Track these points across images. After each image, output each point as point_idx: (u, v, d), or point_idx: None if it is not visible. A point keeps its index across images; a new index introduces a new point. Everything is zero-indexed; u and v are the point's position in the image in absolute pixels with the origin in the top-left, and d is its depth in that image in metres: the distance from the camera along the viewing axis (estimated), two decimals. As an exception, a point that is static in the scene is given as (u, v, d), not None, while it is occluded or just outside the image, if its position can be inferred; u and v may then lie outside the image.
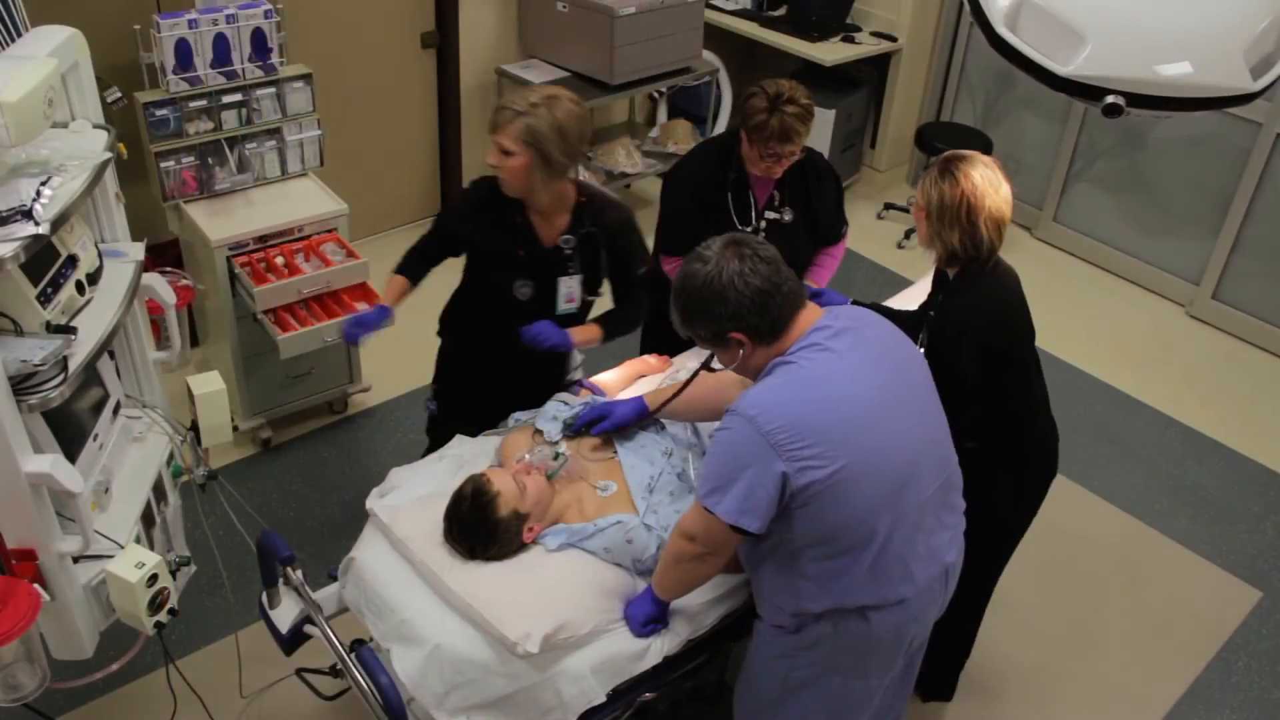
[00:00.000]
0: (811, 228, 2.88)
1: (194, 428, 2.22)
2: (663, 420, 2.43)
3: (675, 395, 2.28)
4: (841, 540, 1.85)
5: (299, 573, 2.19)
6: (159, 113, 3.19)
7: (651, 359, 2.83)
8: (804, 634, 1.99)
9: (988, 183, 2.22)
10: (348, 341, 2.61)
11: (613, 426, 2.36)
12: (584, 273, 2.54)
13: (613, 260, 2.57)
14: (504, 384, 2.64)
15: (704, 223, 2.62)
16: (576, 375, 2.83)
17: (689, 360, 2.78)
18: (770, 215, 2.82)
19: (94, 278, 2.00)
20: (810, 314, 1.90)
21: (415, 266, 2.64)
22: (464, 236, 2.57)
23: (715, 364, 2.03)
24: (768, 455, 1.76)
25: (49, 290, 1.85)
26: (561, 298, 2.54)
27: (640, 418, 2.37)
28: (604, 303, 2.71)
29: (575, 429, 2.39)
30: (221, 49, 3.20)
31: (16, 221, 1.68)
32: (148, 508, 2.10)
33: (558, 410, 2.46)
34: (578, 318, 2.61)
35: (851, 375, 1.84)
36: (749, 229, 2.80)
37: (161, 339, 2.33)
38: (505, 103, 2.32)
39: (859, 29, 5.13)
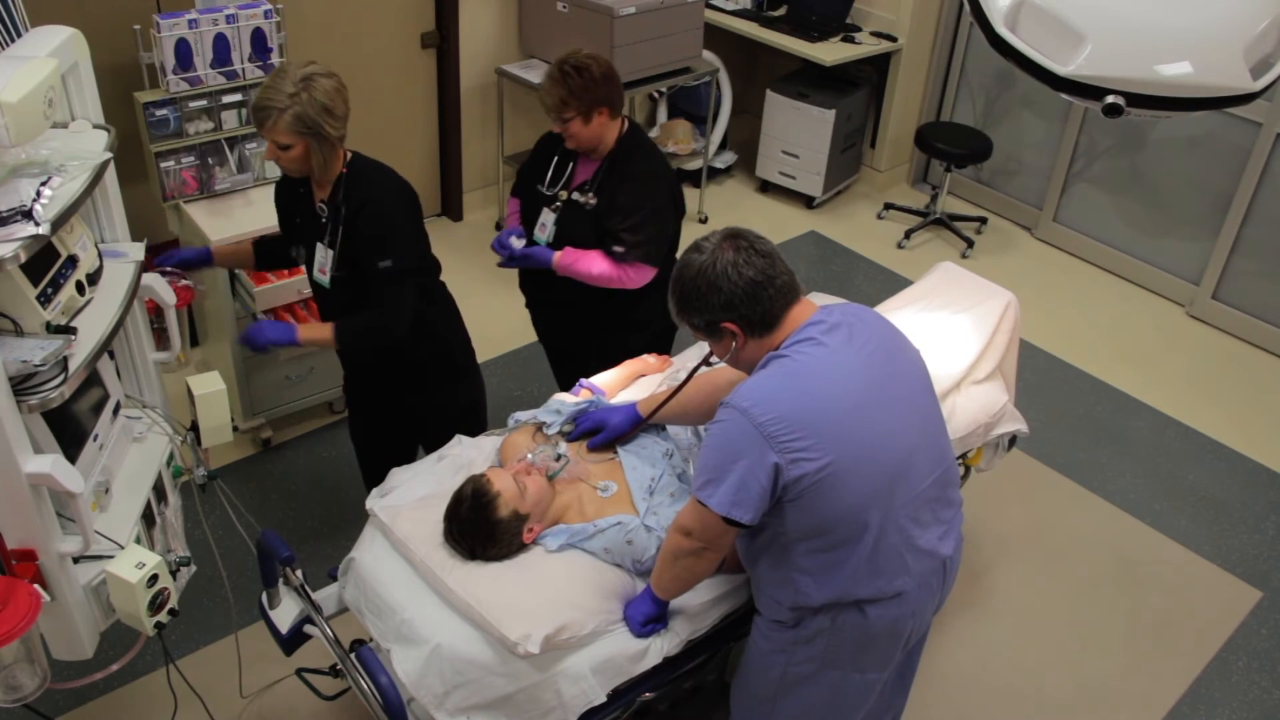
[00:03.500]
0: (600, 223, 2.82)
1: (194, 428, 2.22)
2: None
3: (668, 400, 2.29)
4: (834, 533, 1.86)
5: (299, 573, 2.19)
6: (159, 113, 3.19)
7: (651, 359, 2.83)
8: (802, 629, 1.99)
9: None
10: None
11: (607, 439, 2.37)
12: (336, 248, 2.47)
13: (351, 244, 2.43)
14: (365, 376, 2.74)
15: (529, 170, 2.93)
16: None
17: (689, 360, 2.79)
18: (575, 196, 2.84)
19: (94, 278, 2.00)
20: (804, 309, 1.92)
21: (269, 243, 2.69)
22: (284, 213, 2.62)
23: (714, 360, 2.04)
24: (761, 447, 1.77)
25: (49, 290, 1.85)
26: (315, 265, 2.50)
27: (634, 426, 2.38)
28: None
29: (571, 438, 2.40)
30: (221, 49, 3.20)
31: (16, 221, 1.68)
32: (148, 508, 2.10)
33: (560, 405, 2.46)
34: (336, 296, 2.53)
35: (844, 370, 1.85)
36: (549, 193, 2.87)
37: (161, 339, 2.33)
38: (264, 100, 2.25)
39: (859, 29, 5.13)
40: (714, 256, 1.86)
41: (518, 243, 2.83)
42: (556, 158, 2.88)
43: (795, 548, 1.89)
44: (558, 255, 2.80)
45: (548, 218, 2.87)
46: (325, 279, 2.50)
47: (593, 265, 2.78)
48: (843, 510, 1.84)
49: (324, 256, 2.48)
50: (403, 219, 2.46)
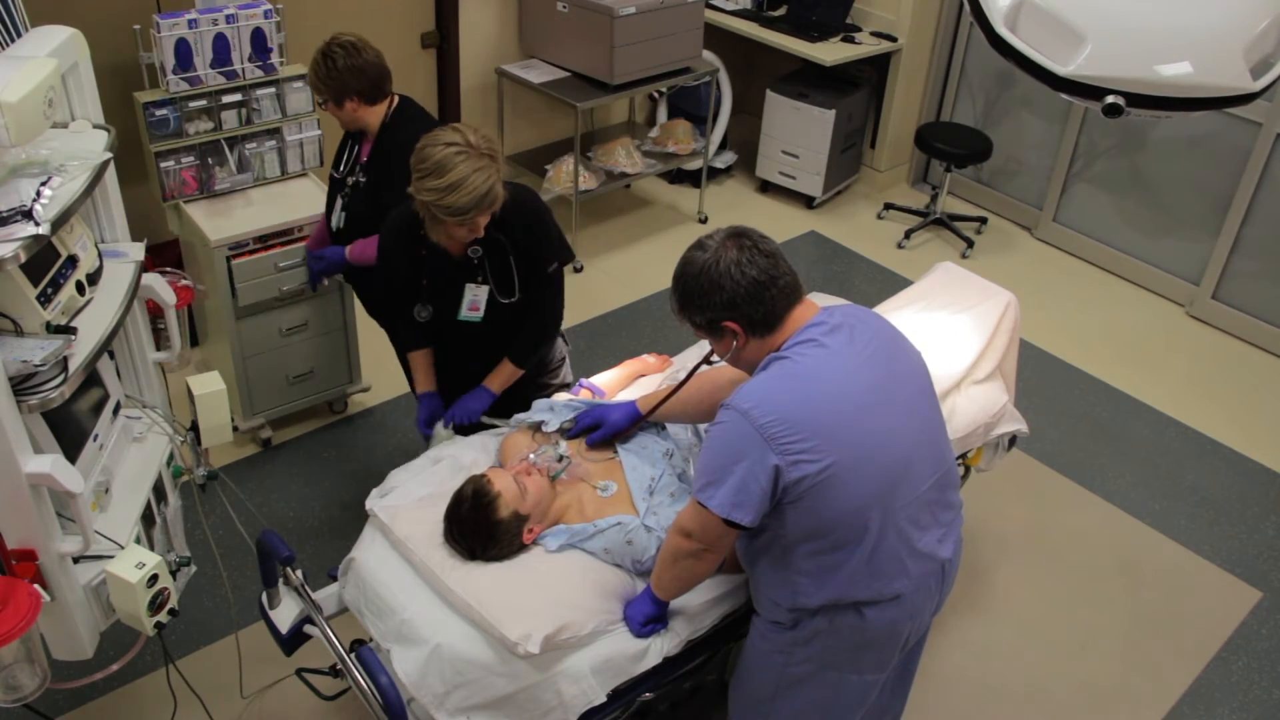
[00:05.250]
0: (378, 201, 2.83)
1: (194, 428, 2.22)
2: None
3: (668, 398, 2.28)
4: (834, 535, 1.86)
5: (299, 573, 2.19)
6: (159, 113, 3.19)
7: (650, 358, 2.83)
8: (800, 630, 1.99)
9: None
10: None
11: (605, 436, 2.37)
12: (494, 280, 2.48)
13: (523, 262, 2.49)
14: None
15: (336, 159, 3.01)
16: (561, 371, 2.83)
17: (689, 360, 2.79)
18: (359, 177, 2.91)
19: (94, 278, 2.00)
20: (806, 310, 1.92)
21: (417, 333, 2.62)
22: (404, 280, 2.54)
23: (715, 359, 2.04)
24: (761, 449, 1.77)
25: (49, 290, 1.85)
26: (465, 305, 2.49)
27: (633, 423, 2.37)
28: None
29: (570, 435, 2.40)
30: (221, 49, 3.20)
31: (16, 222, 1.68)
32: (148, 508, 2.10)
33: (553, 404, 2.47)
34: (499, 320, 2.54)
35: (845, 371, 1.85)
36: (339, 178, 2.98)
37: (161, 339, 2.33)
38: (484, 185, 2.20)
39: (859, 29, 5.13)
40: (717, 255, 1.86)
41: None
42: (349, 141, 2.93)
43: (795, 549, 1.89)
44: (347, 250, 2.82)
45: (338, 205, 2.91)
46: (479, 315, 2.51)
47: (369, 248, 2.76)
48: (843, 512, 1.83)
49: (476, 295, 2.48)
50: (551, 218, 2.51)
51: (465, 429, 2.57)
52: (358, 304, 3.52)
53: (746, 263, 1.84)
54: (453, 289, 2.49)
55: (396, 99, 2.87)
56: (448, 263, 2.46)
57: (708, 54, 4.89)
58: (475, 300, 2.49)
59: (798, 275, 1.92)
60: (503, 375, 2.57)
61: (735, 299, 1.85)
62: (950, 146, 4.94)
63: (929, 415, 1.99)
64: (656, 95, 5.37)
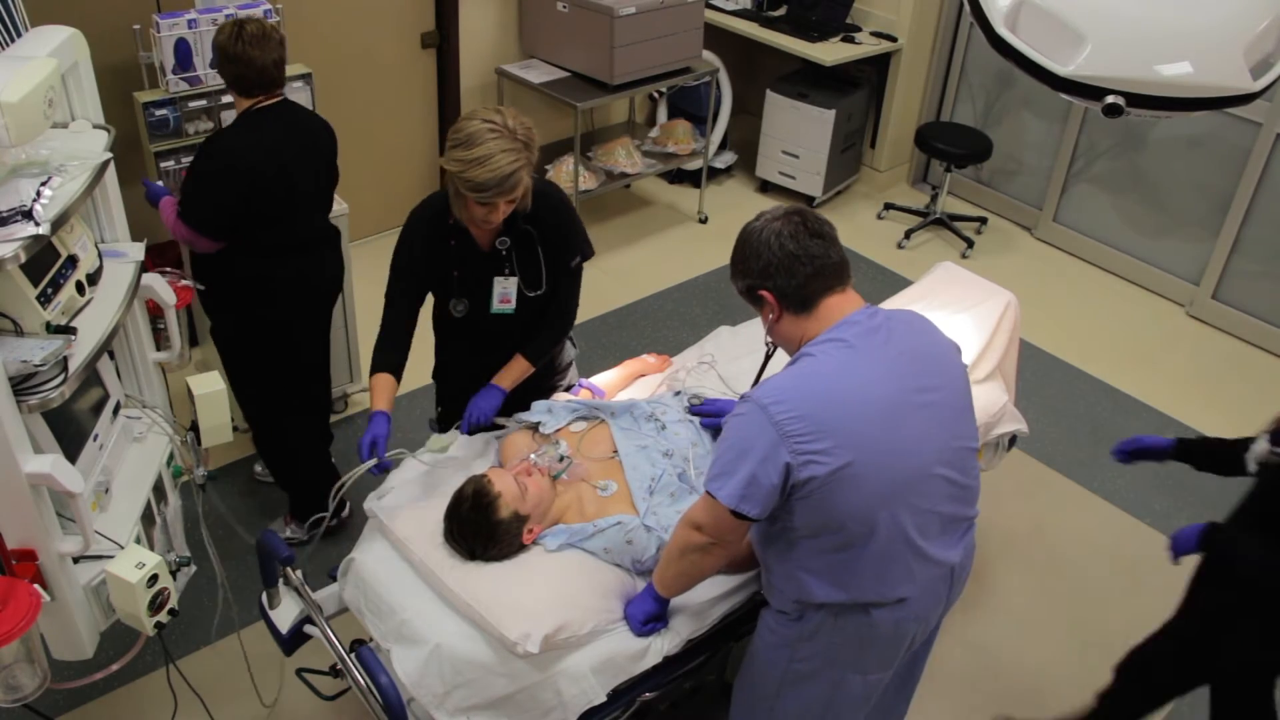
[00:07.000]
0: None
1: (194, 428, 2.22)
2: (664, 420, 2.43)
3: (764, 368, 2.21)
4: (841, 534, 1.86)
5: (299, 573, 2.19)
6: (158, 113, 3.19)
7: (650, 358, 2.83)
8: (805, 622, 1.99)
9: None
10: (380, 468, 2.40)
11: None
12: (521, 273, 2.48)
13: (550, 255, 2.49)
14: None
15: None
16: (569, 371, 2.82)
17: (688, 360, 2.79)
18: None
19: (94, 278, 2.00)
20: (847, 302, 1.93)
21: (395, 349, 2.52)
22: (417, 272, 2.51)
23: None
24: (775, 444, 1.77)
25: (49, 290, 1.85)
26: (495, 298, 2.49)
27: None
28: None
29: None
30: (221, 49, 3.20)
31: (16, 222, 1.68)
32: (148, 508, 2.10)
33: (551, 405, 2.46)
34: (524, 314, 2.53)
35: (870, 376, 1.85)
36: None
37: (162, 339, 2.33)
38: (506, 165, 2.16)
39: (859, 29, 5.14)
40: (765, 224, 1.90)
41: None
42: None
43: (801, 544, 1.89)
44: (163, 200, 2.85)
45: None
46: (511, 307, 2.50)
47: (167, 207, 2.79)
48: (848, 513, 1.83)
49: (506, 287, 2.47)
50: (576, 214, 2.53)
51: (474, 429, 2.56)
52: (357, 302, 3.53)
53: (788, 236, 1.88)
54: (479, 282, 2.48)
55: (261, 102, 2.69)
56: (476, 255, 2.46)
57: (708, 54, 4.89)
58: (505, 293, 2.48)
59: (847, 265, 1.93)
60: (514, 372, 2.54)
61: (770, 267, 1.88)
62: (950, 146, 4.94)
63: (956, 430, 1.96)
64: (656, 95, 5.37)
